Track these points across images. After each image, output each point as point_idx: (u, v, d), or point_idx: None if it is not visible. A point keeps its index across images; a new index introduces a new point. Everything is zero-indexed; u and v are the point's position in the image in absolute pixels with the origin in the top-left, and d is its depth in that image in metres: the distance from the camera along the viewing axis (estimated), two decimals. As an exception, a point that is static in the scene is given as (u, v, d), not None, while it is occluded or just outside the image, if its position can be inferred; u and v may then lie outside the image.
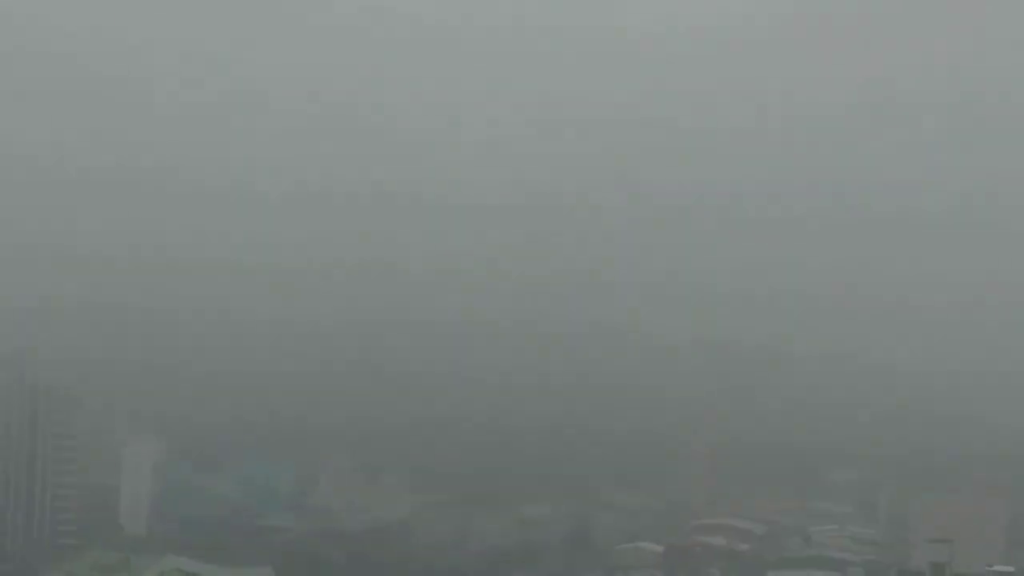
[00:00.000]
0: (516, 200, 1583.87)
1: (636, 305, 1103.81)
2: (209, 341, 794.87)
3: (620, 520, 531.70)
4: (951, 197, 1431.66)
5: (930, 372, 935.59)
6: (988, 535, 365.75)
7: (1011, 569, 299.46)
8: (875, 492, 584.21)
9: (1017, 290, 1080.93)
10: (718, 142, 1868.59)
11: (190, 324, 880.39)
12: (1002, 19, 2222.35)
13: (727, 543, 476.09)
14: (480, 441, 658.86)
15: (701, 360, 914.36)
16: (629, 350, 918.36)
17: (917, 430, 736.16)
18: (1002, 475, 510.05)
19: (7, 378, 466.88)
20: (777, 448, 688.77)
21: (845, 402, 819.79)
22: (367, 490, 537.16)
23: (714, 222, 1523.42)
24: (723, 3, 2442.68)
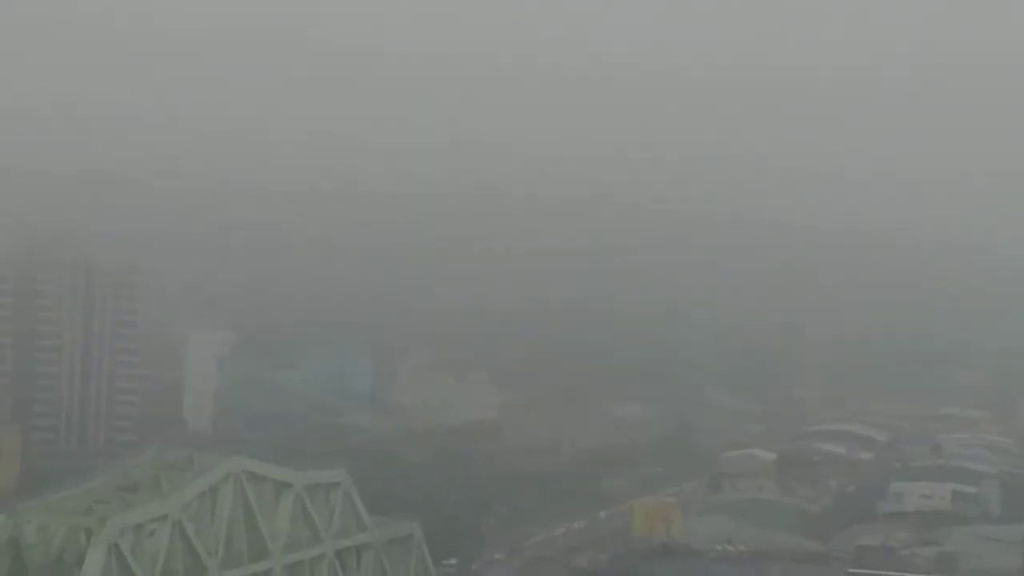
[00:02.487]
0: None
1: (762, 191, 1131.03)
2: (283, 222, 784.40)
3: (726, 424, 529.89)
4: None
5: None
6: None
7: None
8: (1012, 396, 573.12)
9: None
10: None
11: (265, 203, 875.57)
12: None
13: (847, 452, 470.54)
14: (573, 332, 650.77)
15: (819, 246, 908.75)
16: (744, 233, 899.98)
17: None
18: None
19: (63, 257, 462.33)
20: (902, 344, 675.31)
21: (978, 294, 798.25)
22: (451, 388, 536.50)
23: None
24: None
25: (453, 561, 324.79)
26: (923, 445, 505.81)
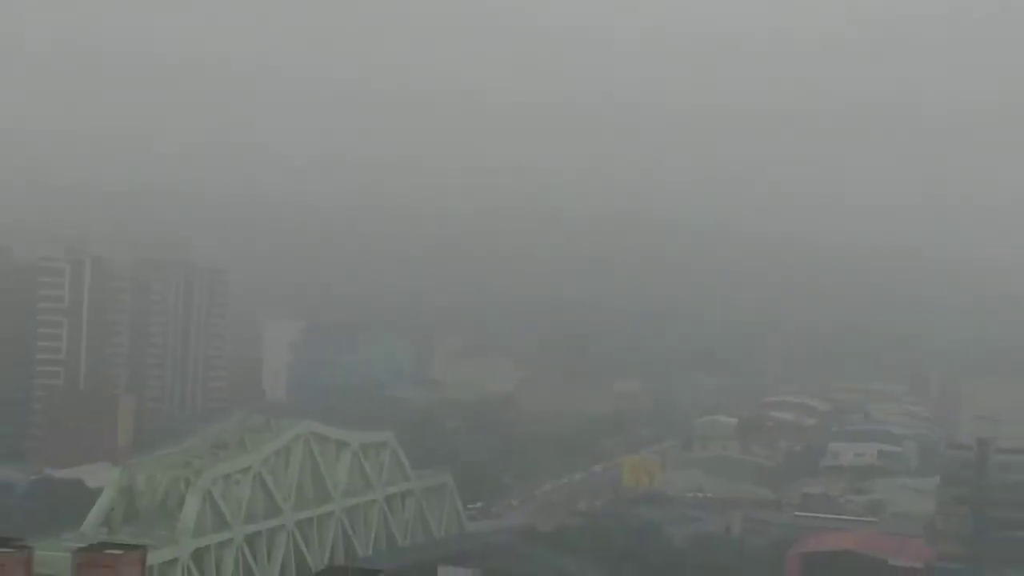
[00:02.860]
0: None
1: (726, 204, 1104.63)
2: (343, 232, 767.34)
3: (699, 396, 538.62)
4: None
5: (983, 260, 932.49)
6: None
7: None
8: (925, 373, 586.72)
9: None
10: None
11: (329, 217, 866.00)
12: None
13: (795, 419, 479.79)
14: (576, 321, 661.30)
15: (778, 255, 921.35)
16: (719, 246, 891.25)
17: (967, 316, 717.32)
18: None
19: (169, 259, 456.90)
20: (841, 336, 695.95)
21: (901, 289, 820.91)
22: (477, 367, 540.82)
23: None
24: None
25: (478, 504, 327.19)
26: (856, 414, 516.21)
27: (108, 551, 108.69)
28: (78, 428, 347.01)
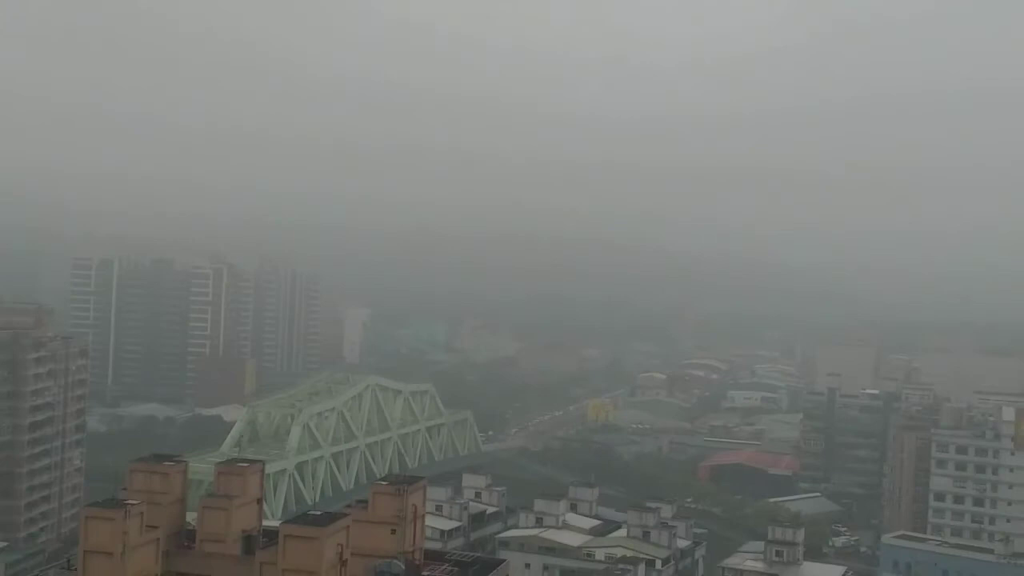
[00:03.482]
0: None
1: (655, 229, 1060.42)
2: (399, 247, 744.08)
3: (640, 359, 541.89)
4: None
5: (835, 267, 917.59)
6: (862, 372, 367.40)
7: (877, 392, 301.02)
8: (793, 343, 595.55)
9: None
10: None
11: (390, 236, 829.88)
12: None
13: (705, 375, 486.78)
14: (555, 309, 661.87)
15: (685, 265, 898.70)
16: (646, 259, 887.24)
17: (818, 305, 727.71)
18: (873, 334, 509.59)
19: (281, 268, 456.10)
20: (735, 317, 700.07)
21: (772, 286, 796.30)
22: (489, 339, 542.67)
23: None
24: None
25: (489, 433, 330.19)
26: (746, 371, 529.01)
27: (239, 463, 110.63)
28: (218, 381, 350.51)
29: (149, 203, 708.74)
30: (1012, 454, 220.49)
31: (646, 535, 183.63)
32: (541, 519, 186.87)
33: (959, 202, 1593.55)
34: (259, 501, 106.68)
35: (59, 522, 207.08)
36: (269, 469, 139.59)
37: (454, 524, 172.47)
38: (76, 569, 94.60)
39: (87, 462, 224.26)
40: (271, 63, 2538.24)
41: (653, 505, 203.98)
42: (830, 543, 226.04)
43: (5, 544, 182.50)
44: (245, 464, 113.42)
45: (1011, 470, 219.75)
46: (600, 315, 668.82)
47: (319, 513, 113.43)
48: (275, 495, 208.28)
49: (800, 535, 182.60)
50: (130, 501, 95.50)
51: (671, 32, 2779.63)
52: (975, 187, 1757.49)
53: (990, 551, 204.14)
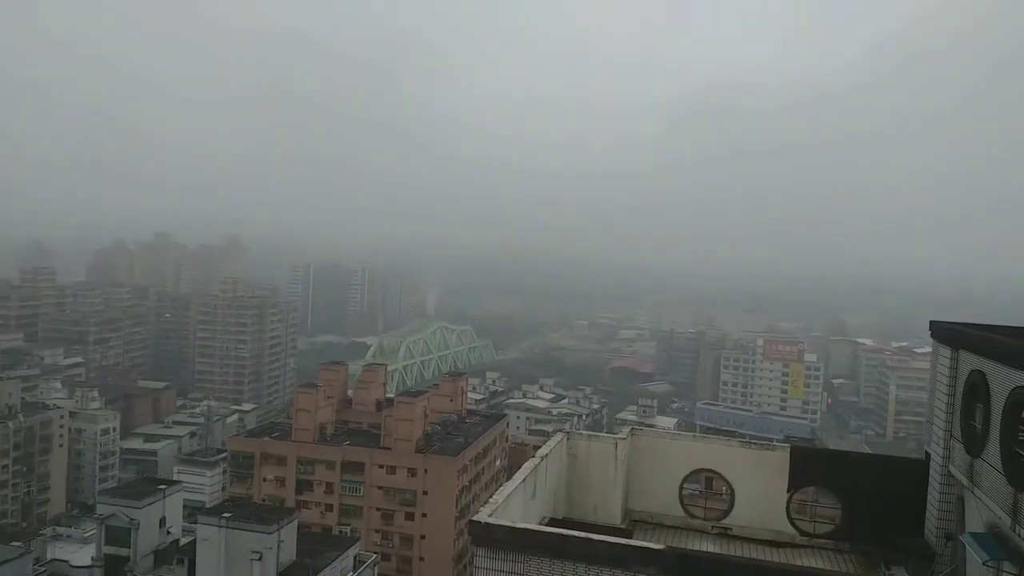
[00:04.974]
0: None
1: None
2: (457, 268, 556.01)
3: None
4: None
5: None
6: (697, 321, 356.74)
7: (694, 331, 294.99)
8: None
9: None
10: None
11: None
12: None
13: (605, 321, 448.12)
14: (529, 294, 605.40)
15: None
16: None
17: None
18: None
19: (396, 280, 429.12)
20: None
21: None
22: (501, 305, 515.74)
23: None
24: None
25: (500, 351, 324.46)
26: (631, 321, 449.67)
27: (374, 365, 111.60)
28: (364, 323, 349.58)
29: (335, 232, 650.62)
30: (760, 363, 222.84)
31: (578, 402, 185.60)
32: (525, 393, 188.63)
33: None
34: (384, 384, 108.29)
35: (283, 394, 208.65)
36: (389, 369, 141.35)
37: (481, 397, 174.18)
38: (291, 419, 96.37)
39: (297, 364, 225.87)
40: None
41: (582, 387, 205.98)
42: (669, 407, 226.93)
43: (255, 405, 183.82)
44: (377, 366, 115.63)
45: (759, 370, 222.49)
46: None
47: (414, 390, 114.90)
48: (392, 381, 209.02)
49: (655, 402, 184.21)
50: (319, 383, 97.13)
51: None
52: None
53: (750, 410, 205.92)
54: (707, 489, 24.05)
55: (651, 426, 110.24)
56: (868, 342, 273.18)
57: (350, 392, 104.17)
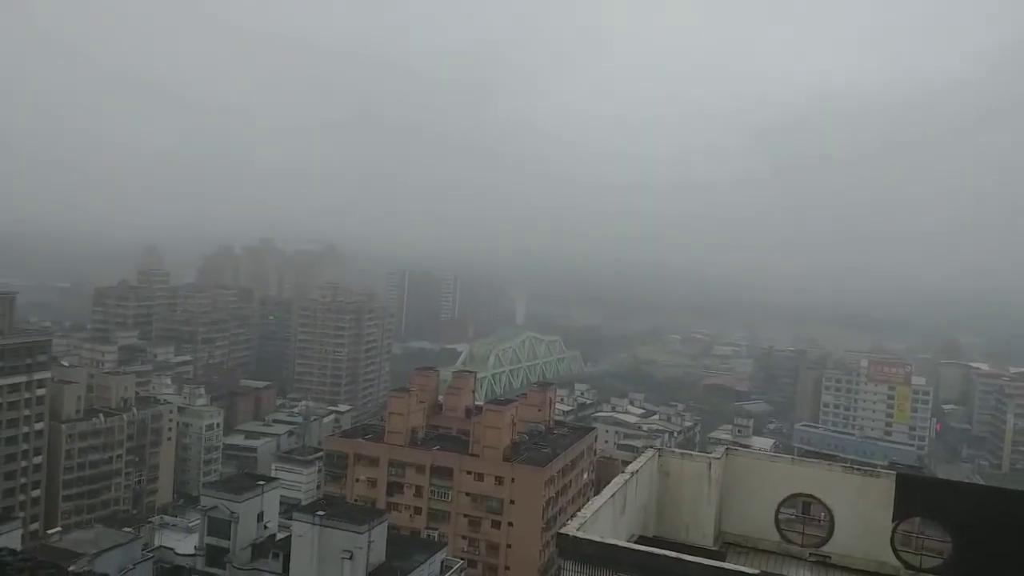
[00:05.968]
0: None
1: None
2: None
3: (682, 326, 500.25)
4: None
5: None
6: (799, 339, 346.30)
7: (794, 348, 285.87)
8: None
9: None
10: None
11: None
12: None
13: (700, 337, 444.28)
14: (614, 309, 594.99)
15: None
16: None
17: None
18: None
19: (482, 279, 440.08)
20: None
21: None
22: (587, 317, 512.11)
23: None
24: None
25: (589, 363, 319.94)
26: (725, 339, 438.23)
27: (464, 372, 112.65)
28: (455, 330, 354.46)
29: (428, 242, 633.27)
30: (864, 384, 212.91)
31: (669, 418, 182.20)
32: (614, 407, 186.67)
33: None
34: (473, 392, 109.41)
35: (377, 397, 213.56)
36: (478, 376, 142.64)
37: (569, 408, 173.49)
38: (384, 421, 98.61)
39: (391, 368, 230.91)
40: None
41: (674, 403, 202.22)
42: (765, 427, 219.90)
43: (351, 407, 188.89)
44: (467, 373, 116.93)
45: (864, 392, 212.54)
46: (632, 316, 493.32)
47: (503, 399, 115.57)
48: (481, 389, 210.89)
49: (751, 421, 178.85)
50: (411, 388, 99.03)
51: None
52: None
53: (852, 434, 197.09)
54: (805, 514, 23.19)
55: (746, 446, 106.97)
56: (983, 366, 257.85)
57: (440, 398, 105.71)
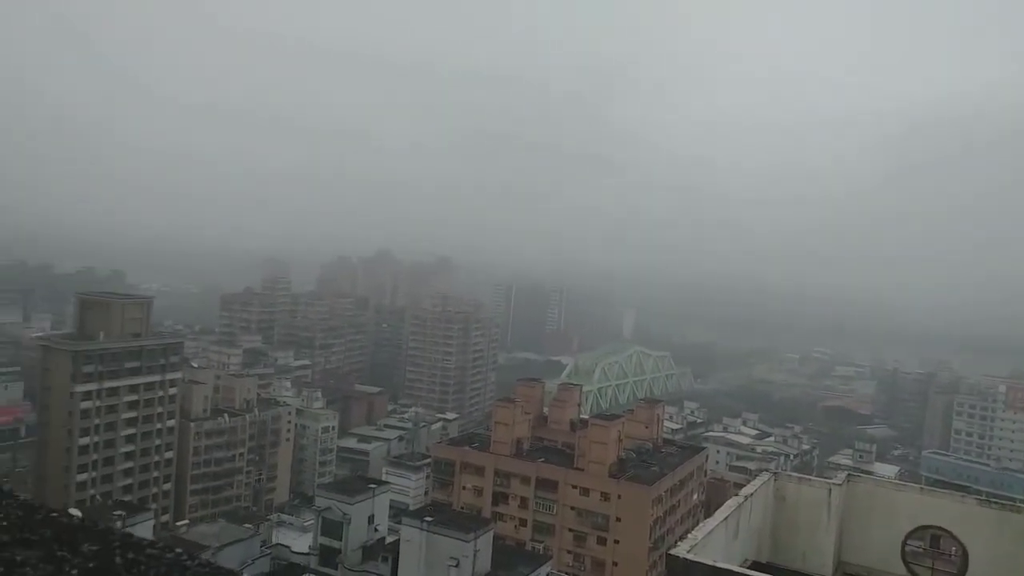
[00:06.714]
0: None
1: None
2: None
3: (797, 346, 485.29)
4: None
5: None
6: (924, 362, 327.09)
7: (922, 371, 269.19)
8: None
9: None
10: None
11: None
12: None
13: (819, 356, 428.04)
14: (731, 325, 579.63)
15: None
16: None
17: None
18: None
19: (595, 291, 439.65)
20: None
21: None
22: (698, 335, 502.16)
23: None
24: None
25: (699, 379, 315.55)
26: (845, 358, 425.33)
27: (569, 385, 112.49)
28: (560, 342, 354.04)
29: (535, 255, 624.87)
30: (1002, 412, 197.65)
31: (785, 440, 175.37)
32: (726, 427, 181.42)
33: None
34: (578, 405, 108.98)
35: (483, 406, 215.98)
36: (584, 390, 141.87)
37: (678, 426, 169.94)
38: (490, 431, 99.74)
39: (496, 378, 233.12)
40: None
41: (790, 425, 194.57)
42: (890, 453, 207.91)
43: (458, 415, 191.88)
44: (572, 385, 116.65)
45: (1001, 420, 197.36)
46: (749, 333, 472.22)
47: (608, 413, 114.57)
48: (586, 402, 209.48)
49: (873, 447, 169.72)
50: (516, 399, 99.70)
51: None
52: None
53: (987, 464, 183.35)
54: (934, 548, 21.84)
55: (869, 473, 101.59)
56: None
57: (545, 410, 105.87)
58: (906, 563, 21.31)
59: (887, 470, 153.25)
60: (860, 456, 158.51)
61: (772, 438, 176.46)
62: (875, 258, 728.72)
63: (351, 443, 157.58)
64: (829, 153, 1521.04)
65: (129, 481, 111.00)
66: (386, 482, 78.56)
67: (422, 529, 55.70)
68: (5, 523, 3.95)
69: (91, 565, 3.52)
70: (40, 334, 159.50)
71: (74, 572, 3.45)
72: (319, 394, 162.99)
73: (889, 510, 21.69)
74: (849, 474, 22.97)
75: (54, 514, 4.13)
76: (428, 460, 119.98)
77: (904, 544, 21.43)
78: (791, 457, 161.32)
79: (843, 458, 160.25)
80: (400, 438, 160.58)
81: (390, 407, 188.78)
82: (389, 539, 64.96)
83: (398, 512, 77.34)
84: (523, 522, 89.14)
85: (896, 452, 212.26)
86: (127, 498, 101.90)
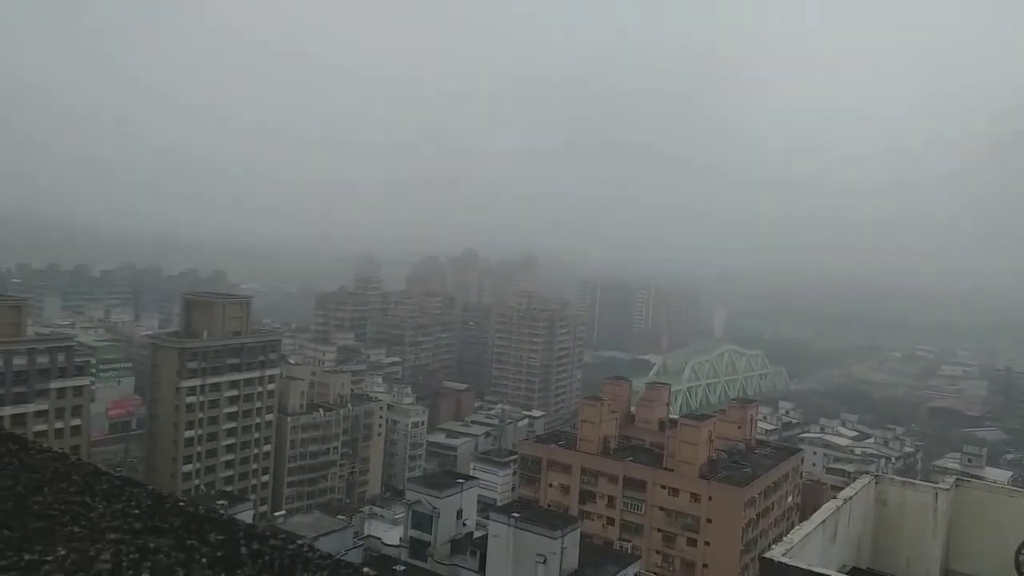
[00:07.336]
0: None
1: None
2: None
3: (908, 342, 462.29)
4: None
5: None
6: None
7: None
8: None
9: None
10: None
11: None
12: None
13: (923, 354, 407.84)
14: (827, 325, 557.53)
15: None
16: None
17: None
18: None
19: (686, 289, 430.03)
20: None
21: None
22: (796, 332, 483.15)
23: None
24: None
25: (795, 378, 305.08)
26: (952, 355, 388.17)
27: (657, 384, 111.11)
28: (647, 341, 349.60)
29: (623, 252, 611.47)
30: None
31: (887, 442, 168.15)
32: (823, 428, 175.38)
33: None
34: (667, 404, 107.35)
35: (569, 404, 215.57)
36: (673, 389, 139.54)
37: (772, 427, 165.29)
38: (577, 428, 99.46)
39: (582, 376, 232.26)
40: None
41: (891, 426, 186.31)
42: (1002, 457, 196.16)
43: (543, 412, 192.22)
44: (661, 384, 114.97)
45: None
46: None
47: (699, 413, 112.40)
48: (676, 402, 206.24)
49: (984, 450, 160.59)
50: (603, 397, 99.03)
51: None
52: None
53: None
54: (1052, 559, 20.45)
55: (979, 478, 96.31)
56: None
57: (633, 408, 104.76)
58: (1021, 573, 20.06)
59: (999, 475, 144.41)
60: (969, 460, 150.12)
61: (872, 440, 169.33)
62: (980, 243, 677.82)
63: (440, 438, 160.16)
64: (931, 134, 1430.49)
65: (230, 472, 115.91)
66: (474, 477, 79.29)
67: (509, 525, 56.02)
68: (137, 511, 4.21)
69: (219, 554, 3.72)
70: (149, 332, 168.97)
71: (203, 560, 3.66)
72: (409, 390, 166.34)
73: (1001, 517, 20.49)
74: (957, 478, 21.82)
75: (181, 503, 4.39)
76: (515, 457, 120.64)
77: (1018, 554, 20.18)
78: (893, 460, 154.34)
79: (950, 462, 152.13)
80: (487, 434, 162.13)
81: (477, 404, 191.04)
82: (477, 534, 65.62)
83: (486, 507, 77.97)
84: (611, 521, 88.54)
85: (1009, 456, 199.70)
86: (228, 488, 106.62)
